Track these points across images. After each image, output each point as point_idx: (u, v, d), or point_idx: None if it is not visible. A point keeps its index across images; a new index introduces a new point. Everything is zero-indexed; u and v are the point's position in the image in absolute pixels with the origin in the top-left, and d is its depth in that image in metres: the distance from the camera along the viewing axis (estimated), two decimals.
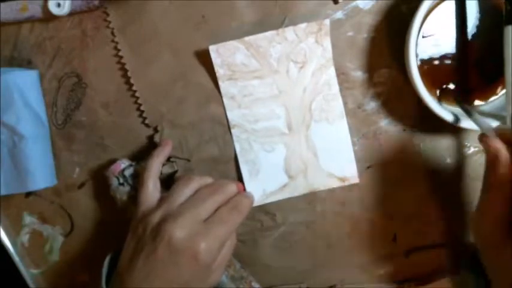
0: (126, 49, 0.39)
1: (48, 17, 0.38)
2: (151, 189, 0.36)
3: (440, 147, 0.40)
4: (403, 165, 0.40)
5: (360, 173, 0.40)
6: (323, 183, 0.40)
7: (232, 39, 0.38)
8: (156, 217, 0.33)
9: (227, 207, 0.35)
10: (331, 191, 0.41)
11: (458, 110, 0.37)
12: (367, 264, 0.42)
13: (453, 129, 0.38)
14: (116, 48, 0.39)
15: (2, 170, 0.39)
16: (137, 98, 0.40)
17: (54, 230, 0.43)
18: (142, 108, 0.40)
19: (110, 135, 0.41)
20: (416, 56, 0.35)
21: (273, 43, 0.38)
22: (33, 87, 0.40)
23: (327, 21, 0.37)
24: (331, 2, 0.38)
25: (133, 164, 0.39)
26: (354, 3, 0.38)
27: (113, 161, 0.40)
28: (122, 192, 0.38)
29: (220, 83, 0.39)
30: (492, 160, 0.30)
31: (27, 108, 0.39)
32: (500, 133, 0.31)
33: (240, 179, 0.40)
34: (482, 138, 0.32)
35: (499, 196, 0.30)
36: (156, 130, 0.40)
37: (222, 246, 0.33)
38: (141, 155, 0.41)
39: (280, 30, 0.37)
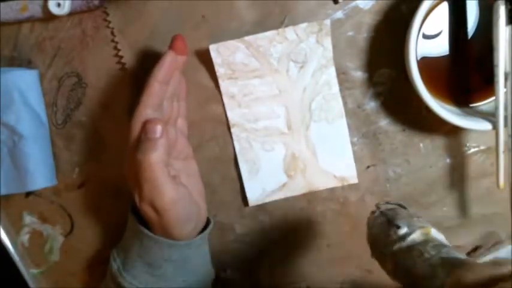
0: (126, 49, 0.39)
1: (48, 17, 0.38)
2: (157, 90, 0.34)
3: (440, 147, 0.40)
4: (402, 164, 0.41)
5: (360, 173, 0.40)
6: (322, 182, 0.40)
7: (232, 39, 0.37)
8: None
9: None
10: (331, 190, 0.41)
11: (458, 110, 0.37)
12: (367, 263, 0.42)
13: (453, 129, 0.38)
14: (116, 48, 0.39)
15: (1, 170, 0.39)
16: (137, 98, 0.40)
17: (54, 230, 0.43)
18: None
19: (110, 135, 0.41)
20: (416, 56, 0.35)
21: (274, 43, 0.38)
22: (33, 87, 0.40)
23: (328, 22, 0.37)
24: (331, 2, 0.38)
25: None
26: (354, 3, 0.38)
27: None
28: None
29: (220, 82, 0.39)
30: None
31: (27, 108, 0.39)
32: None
33: (239, 178, 0.40)
34: None
35: None
36: None
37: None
38: None
39: (280, 29, 0.37)
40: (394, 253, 0.27)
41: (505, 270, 0.18)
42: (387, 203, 0.31)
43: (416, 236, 0.27)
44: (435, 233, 0.27)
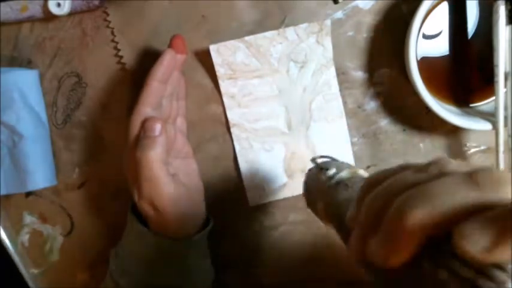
0: (126, 49, 0.39)
1: (48, 17, 0.38)
2: (156, 88, 0.34)
3: (440, 147, 0.40)
4: None
5: None
6: None
7: (232, 39, 0.37)
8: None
9: None
10: None
11: (458, 110, 0.37)
12: None
13: (453, 129, 0.38)
14: (116, 48, 0.39)
15: (2, 170, 0.39)
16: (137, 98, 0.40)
17: (54, 230, 0.43)
18: None
19: (110, 135, 0.41)
20: (416, 56, 0.35)
21: (274, 43, 0.38)
22: (33, 87, 0.40)
23: (328, 22, 0.37)
24: (331, 2, 0.38)
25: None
26: (354, 3, 0.38)
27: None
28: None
29: (220, 82, 0.39)
30: None
31: (27, 108, 0.39)
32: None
33: (239, 178, 0.40)
34: None
35: None
36: None
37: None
38: None
39: (281, 30, 0.37)
40: (323, 192, 0.27)
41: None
42: (322, 156, 0.31)
43: (343, 174, 0.27)
44: (362, 172, 0.28)
